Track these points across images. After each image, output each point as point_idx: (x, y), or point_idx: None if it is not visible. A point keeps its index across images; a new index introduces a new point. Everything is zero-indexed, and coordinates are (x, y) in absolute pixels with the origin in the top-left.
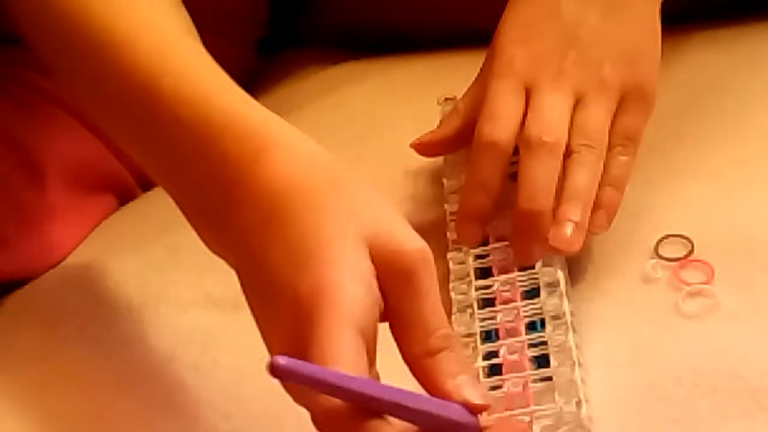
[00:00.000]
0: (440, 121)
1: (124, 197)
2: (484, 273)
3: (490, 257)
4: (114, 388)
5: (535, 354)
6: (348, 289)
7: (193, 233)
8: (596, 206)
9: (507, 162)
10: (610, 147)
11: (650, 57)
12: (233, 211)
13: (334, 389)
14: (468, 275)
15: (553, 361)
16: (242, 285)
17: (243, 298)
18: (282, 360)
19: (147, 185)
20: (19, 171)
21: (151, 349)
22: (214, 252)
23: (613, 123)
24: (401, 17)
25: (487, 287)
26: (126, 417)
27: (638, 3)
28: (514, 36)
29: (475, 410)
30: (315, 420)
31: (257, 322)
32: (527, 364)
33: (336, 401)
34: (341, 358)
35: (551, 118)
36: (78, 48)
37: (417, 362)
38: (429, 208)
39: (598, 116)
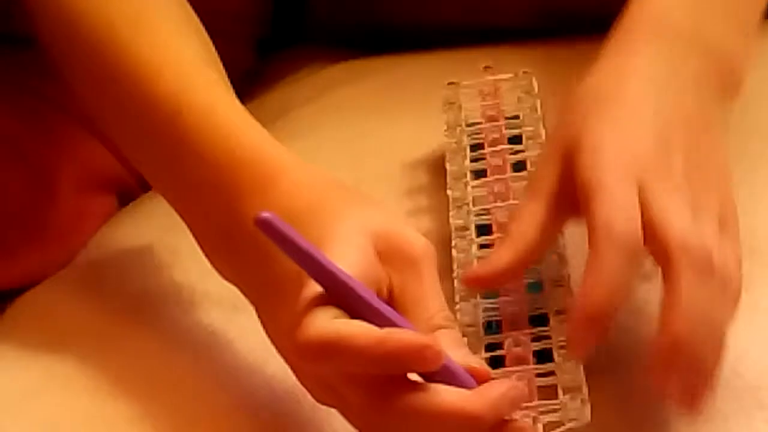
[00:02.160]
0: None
1: (125, 198)
2: None
3: (493, 248)
4: (114, 390)
5: (539, 348)
6: (345, 255)
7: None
8: None
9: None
10: None
11: (729, 182)
12: (247, 234)
13: (308, 259)
14: (471, 264)
15: (557, 357)
16: (255, 301)
17: (242, 298)
18: (267, 214)
19: (147, 185)
20: (26, 178)
21: (151, 350)
22: (227, 278)
23: None
24: (401, 15)
25: None
26: (126, 418)
27: (718, 125)
28: (614, 137)
29: (478, 375)
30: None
31: (269, 327)
32: (531, 357)
33: (315, 290)
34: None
35: (689, 228)
36: (102, 71)
37: None
38: (429, 200)
39: (727, 249)
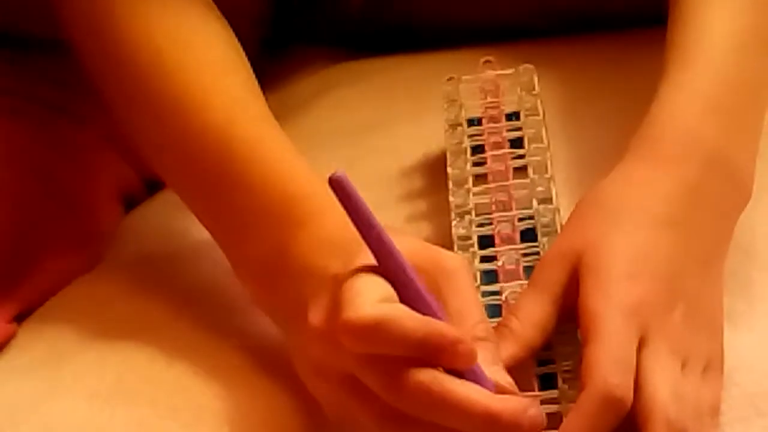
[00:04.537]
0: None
1: (131, 203)
2: (489, 276)
3: (497, 261)
4: (115, 394)
5: (543, 372)
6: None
7: (194, 240)
8: None
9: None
10: None
11: (721, 326)
12: (290, 264)
13: (370, 228)
14: (474, 278)
15: (561, 384)
16: (285, 327)
17: (239, 303)
18: (340, 172)
19: (153, 190)
20: (45, 192)
21: (152, 355)
22: (260, 305)
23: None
24: (401, 16)
25: (494, 293)
26: (127, 423)
27: (719, 262)
28: (624, 269)
29: (502, 392)
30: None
31: (292, 345)
32: (535, 382)
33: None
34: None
35: (672, 397)
36: (145, 95)
37: None
38: (428, 204)
39: (704, 397)
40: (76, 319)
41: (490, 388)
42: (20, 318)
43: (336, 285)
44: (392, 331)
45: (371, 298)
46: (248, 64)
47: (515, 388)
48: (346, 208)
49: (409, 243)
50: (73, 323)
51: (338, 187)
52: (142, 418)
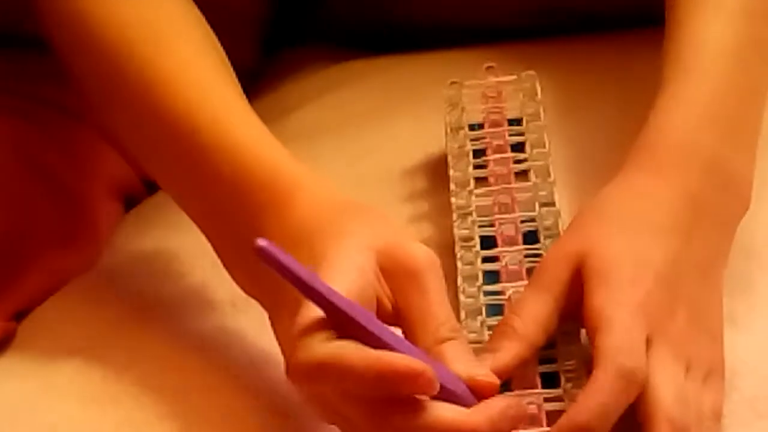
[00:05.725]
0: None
1: (129, 201)
2: (491, 277)
3: (500, 261)
4: (113, 395)
5: (546, 371)
6: (341, 274)
7: (194, 239)
8: None
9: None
10: None
11: (721, 333)
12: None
13: (305, 286)
14: (476, 278)
15: (564, 383)
16: (270, 313)
17: (240, 299)
18: (263, 242)
19: (153, 189)
20: (46, 189)
21: (150, 355)
22: (245, 290)
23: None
24: (402, 15)
25: (496, 293)
26: (124, 425)
27: (719, 269)
28: (628, 274)
29: (483, 388)
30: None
31: (279, 336)
32: (537, 380)
33: (310, 314)
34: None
35: (675, 399)
36: (120, 88)
37: (427, 352)
38: (430, 204)
39: (706, 402)
40: (74, 319)
41: (465, 396)
42: (19, 317)
43: (292, 302)
44: (336, 367)
45: (313, 342)
46: (220, 50)
47: (492, 377)
48: (276, 271)
49: (375, 242)
50: (71, 323)
51: (264, 255)
52: (138, 419)
